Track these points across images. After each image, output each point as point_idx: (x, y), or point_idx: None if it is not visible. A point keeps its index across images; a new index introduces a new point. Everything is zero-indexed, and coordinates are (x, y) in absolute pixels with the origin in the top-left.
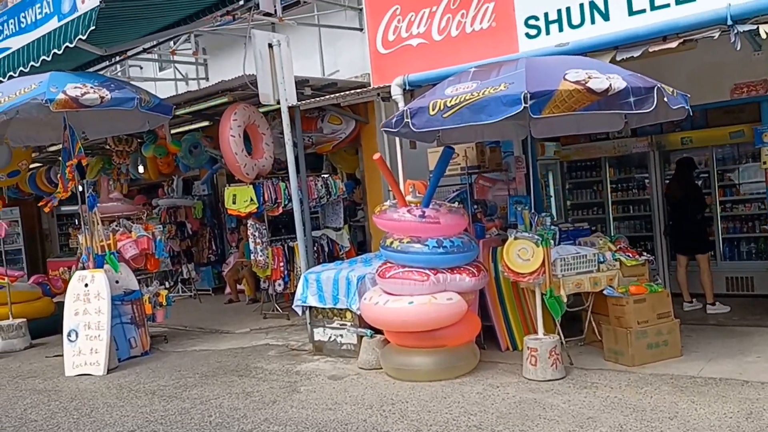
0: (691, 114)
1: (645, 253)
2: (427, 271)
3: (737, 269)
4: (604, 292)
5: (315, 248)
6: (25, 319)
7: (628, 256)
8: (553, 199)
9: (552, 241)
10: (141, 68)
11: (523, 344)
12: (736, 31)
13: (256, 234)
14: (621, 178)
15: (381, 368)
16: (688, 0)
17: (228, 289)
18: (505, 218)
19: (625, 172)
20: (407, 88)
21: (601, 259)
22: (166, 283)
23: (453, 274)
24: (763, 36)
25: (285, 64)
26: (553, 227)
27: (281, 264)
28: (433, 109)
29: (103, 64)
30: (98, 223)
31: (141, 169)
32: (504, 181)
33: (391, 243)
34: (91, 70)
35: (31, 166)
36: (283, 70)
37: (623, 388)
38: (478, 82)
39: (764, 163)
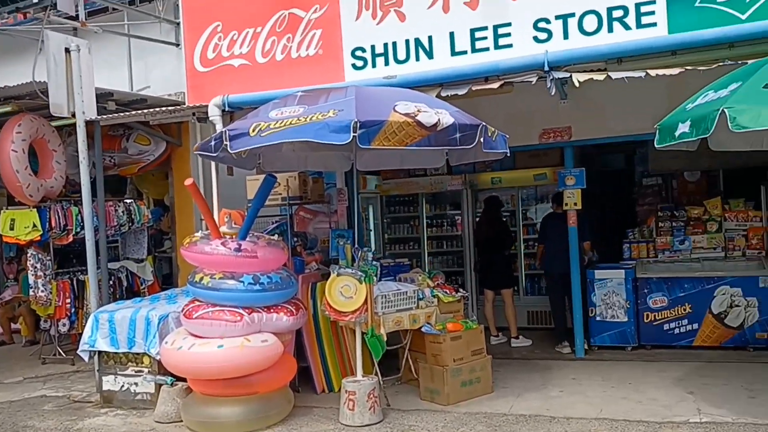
0: (508, 155)
1: (461, 289)
2: (241, 311)
3: (538, 303)
4: (422, 329)
5: (111, 282)
6: None
7: (446, 292)
8: (372, 233)
9: (375, 278)
10: None
11: (341, 387)
12: (551, 77)
13: (38, 266)
14: (436, 214)
15: (182, 421)
16: (507, 45)
17: (0, 329)
18: (326, 252)
19: (440, 209)
20: (226, 109)
21: (421, 296)
22: None
23: (270, 313)
24: (576, 84)
25: (84, 72)
26: (374, 263)
27: (67, 300)
28: (253, 131)
29: None
30: None
31: None
32: (325, 214)
33: (201, 279)
34: None
35: None
36: (81, 79)
37: (440, 431)
38: (305, 107)
39: (565, 204)
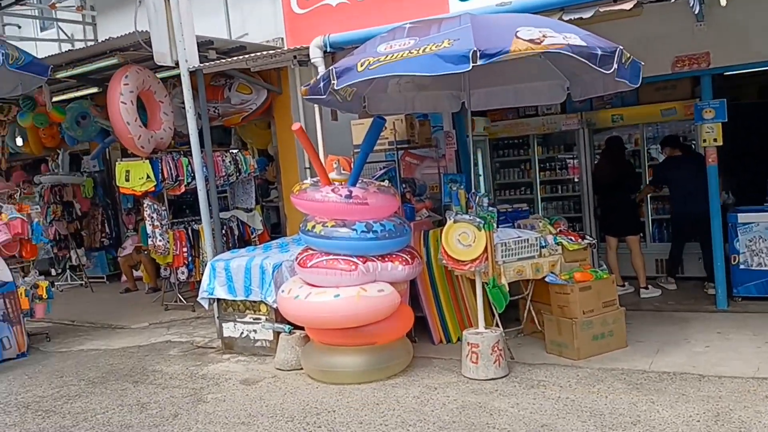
0: (637, 85)
1: (588, 236)
2: (355, 260)
3: (666, 251)
4: (547, 279)
5: (223, 231)
6: None
7: (570, 239)
8: (482, 178)
9: (494, 225)
10: (19, 27)
11: (461, 338)
12: None
13: (154, 216)
14: (549, 156)
15: (302, 369)
16: None
17: (124, 277)
18: (435, 199)
19: (554, 151)
20: (328, 50)
21: (543, 244)
22: (53, 270)
23: (384, 263)
24: (723, 3)
25: (184, 20)
26: (491, 208)
27: (184, 249)
28: (361, 67)
29: None
30: None
31: (19, 141)
32: (433, 158)
33: (313, 227)
34: None
35: None
36: (182, 27)
37: (574, 387)
38: (416, 39)
39: (704, 141)
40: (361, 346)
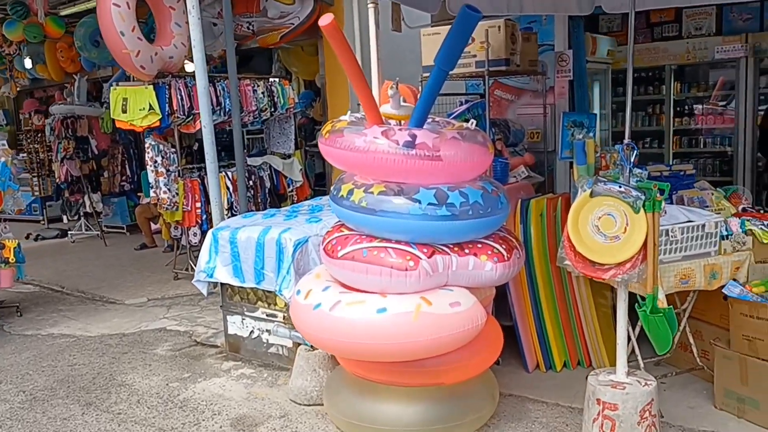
0: None
1: None
2: (416, 250)
3: None
4: (725, 289)
5: (251, 182)
6: None
7: (763, 224)
8: (597, 122)
9: (663, 203)
10: None
11: (567, 364)
12: None
13: (158, 159)
14: (690, 96)
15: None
16: None
17: None
18: (537, 151)
19: (698, 89)
20: None
21: (724, 233)
22: (65, 218)
23: (464, 256)
24: None
25: None
26: (639, 170)
27: (197, 205)
28: None
29: None
30: None
31: (28, 62)
32: (535, 92)
33: (350, 193)
34: None
35: None
36: None
37: None
38: None
39: None
40: (416, 387)
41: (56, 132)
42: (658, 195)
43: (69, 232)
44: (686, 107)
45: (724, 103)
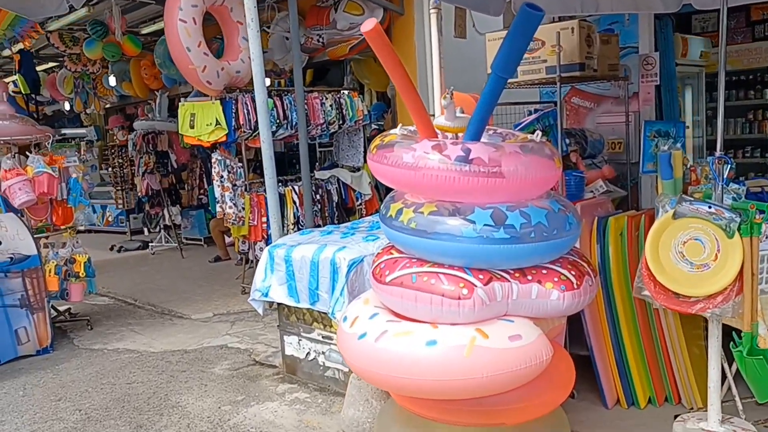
0: None
1: None
2: (470, 277)
3: None
4: None
5: (319, 196)
6: None
7: None
8: (690, 131)
9: (763, 225)
10: None
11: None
12: None
13: (225, 174)
14: None
15: None
16: None
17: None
18: (619, 163)
19: None
20: None
21: None
22: (146, 231)
23: (526, 283)
24: None
25: None
26: (736, 186)
27: (263, 219)
28: None
29: None
30: None
31: (113, 80)
32: (616, 99)
33: (399, 213)
34: None
35: None
36: None
37: None
38: None
39: None
40: (476, 427)
41: (138, 147)
42: (757, 216)
43: (150, 244)
44: None
45: None
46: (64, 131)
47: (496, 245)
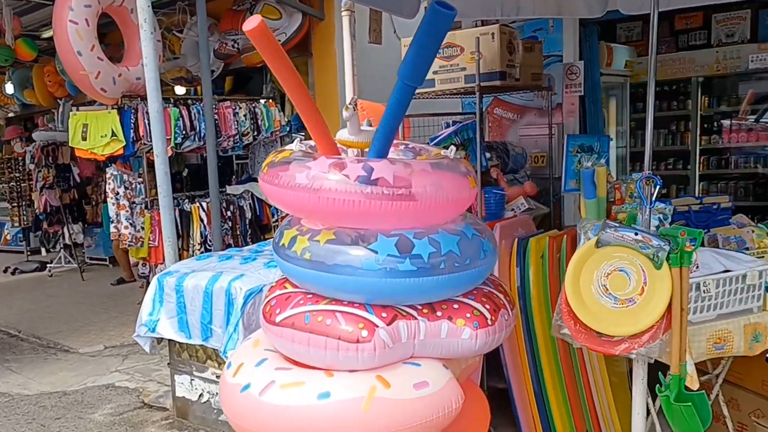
0: None
1: None
2: (372, 316)
3: None
4: None
5: (230, 213)
6: None
7: None
8: (614, 144)
9: (694, 254)
10: None
11: None
12: None
13: (120, 191)
14: (719, 111)
15: None
16: None
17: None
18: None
19: (728, 103)
20: None
21: None
22: (43, 250)
23: (435, 320)
24: None
25: None
26: (662, 205)
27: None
28: None
29: None
30: None
31: (9, 88)
32: (540, 110)
33: (292, 242)
34: None
35: None
36: None
37: None
38: None
39: None
40: None
41: (36, 160)
42: (688, 244)
43: (48, 265)
44: (714, 124)
45: (754, 118)
46: None
47: (401, 278)
